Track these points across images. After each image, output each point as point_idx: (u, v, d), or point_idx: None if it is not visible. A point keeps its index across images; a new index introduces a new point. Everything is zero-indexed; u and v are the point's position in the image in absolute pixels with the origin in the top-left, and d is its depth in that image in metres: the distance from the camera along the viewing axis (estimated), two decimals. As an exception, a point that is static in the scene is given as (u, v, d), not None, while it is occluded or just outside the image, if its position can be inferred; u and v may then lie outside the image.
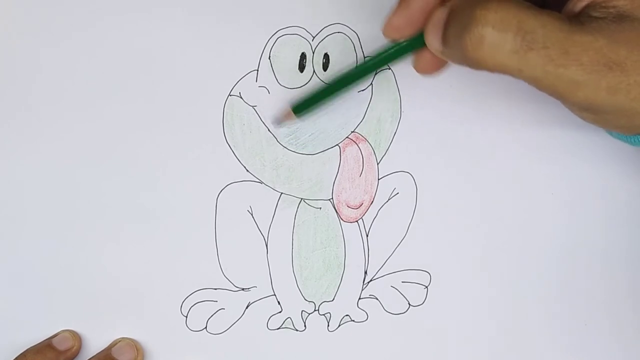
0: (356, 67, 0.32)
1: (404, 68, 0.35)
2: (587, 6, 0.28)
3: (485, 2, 0.27)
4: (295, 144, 0.35)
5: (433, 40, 0.29)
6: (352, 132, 0.36)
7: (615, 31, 0.27)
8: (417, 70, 0.32)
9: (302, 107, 0.33)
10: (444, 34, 0.28)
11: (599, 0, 0.27)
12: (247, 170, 0.35)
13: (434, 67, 0.31)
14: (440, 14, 0.29)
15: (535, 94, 0.36)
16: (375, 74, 0.35)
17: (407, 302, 0.37)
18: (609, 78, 0.26)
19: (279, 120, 0.34)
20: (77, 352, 0.36)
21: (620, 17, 0.27)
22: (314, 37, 0.34)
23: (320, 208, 0.36)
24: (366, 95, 0.35)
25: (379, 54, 0.31)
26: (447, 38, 0.28)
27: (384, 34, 0.30)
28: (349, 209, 0.36)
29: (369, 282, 0.37)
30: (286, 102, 0.34)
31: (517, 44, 0.26)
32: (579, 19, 0.27)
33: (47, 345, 0.35)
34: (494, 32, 0.26)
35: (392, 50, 0.31)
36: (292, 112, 0.33)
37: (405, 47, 0.31)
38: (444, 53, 0.29)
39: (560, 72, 0.26)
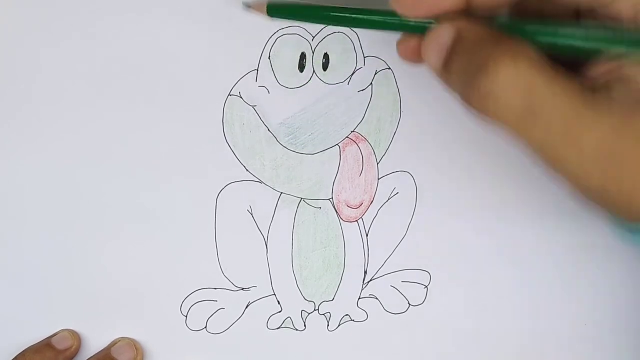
0: (346, 11, 0.30)
1: (404, 68, 0.35)
2: (609, 80, 0.25)
3: (499, 52, 0.25)
4: (295, 144, 0.35)
5: (432, 56, 0.27)
6: (352, 132, 0.36)
7: (630, 115, 0.24)
8: (399, 52, 0.30)
9: (279, 10, 0.31)
10: (447, 59, 0.26)
11: (625, 75, 0.25)
12: (247, 170, 0.35)
13: (418, 57, 0.29)
14: (445, 36, 0.26)
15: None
16: (376, 73, 0.35)
17: (407, 302, 0.37)
18: (603, 165, 0.24)
19: (251, 6, 0.32)
20: (77, 352, 0.36)
21: None
22: (314, 37, 0.34)
23: (320, 208, 0.36)
24: (366, 95, 0.35)
25: (377, 14, 0.29)
26: (449, 64, 0.26)
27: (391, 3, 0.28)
28: (349, 208, 0.36)
29: (369, 282, 0.37)
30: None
31: (522, 110, 0.24)
32: (597, 90, 0.25)
33: (46, 345, 0.35)
34: (501, 90, 0.24)
35: (391, 20, 0.29)
36: (266, 9, 0.31)
37: (404, 26, 0.28)
38: (441, 76, 0.27)
39: (556, 152, 0.25)
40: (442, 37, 0.27)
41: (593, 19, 0.26)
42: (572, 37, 0.26)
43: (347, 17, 0.30)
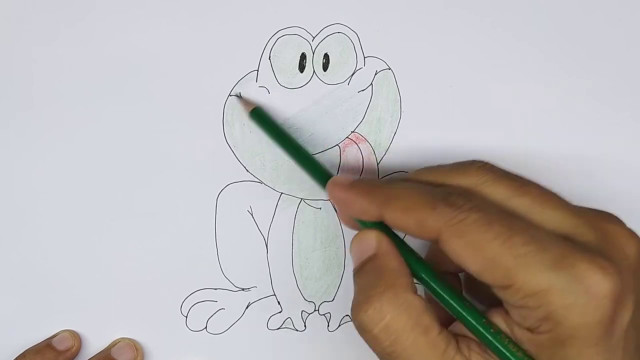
0: (299, 155, 0.33)
1: (404, 68, 0.35)
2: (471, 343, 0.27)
3: (386, 291, 0.27)
4: (295, 144, 0.35)
5: (353, 256, 0.30)
6: (352, 132, 0.36)
7: None
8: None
9: (258, 119, 0.34)
10: (359, 267, 0.29)
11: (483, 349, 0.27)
12: (247, 170, 0.35)
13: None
14: (367, 244, 0.29)
15: (536, 95, 0.36)
16: (376, 73, 0.35)
17: (407, 302, 0.37)
18: None
19: (241, 99, 0.34)
20: (77, 352, 0.36)
21: None
22: (314, 37, 0.34)
23: (321, 208, 0.36)
24: (366, 95, 0.35)
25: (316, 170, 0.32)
26: (358, 274, 0.29)
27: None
28: (349, 209, 0.36)
29: (369, 282, 0.37)
30: (256, 105, 0.34)
31: (387, 349, 0.27)
32: (460, 346, 0.27)
33: (46, 345, 0.35)
34: (371, 327, 0.27)
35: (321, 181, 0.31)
36: (250, 113, 0.34)
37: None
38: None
39: None
40: (363, 244, 0.29)
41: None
42: (455, 311, 0.28)
43: (300, 158, 0.33)
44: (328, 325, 0.38)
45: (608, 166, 0.37)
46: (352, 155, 0.36)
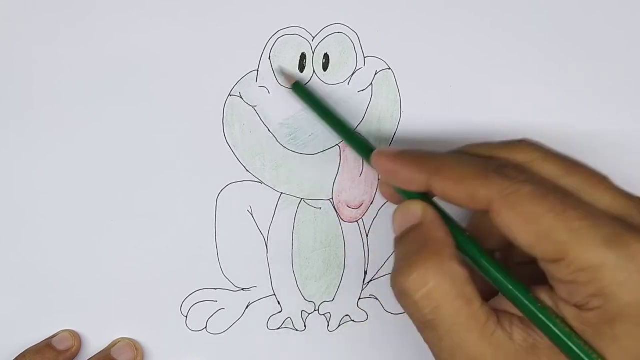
0: (343, 128, 0.33)
1: (404, 68, 0.35)
2: (515, 320, 0.27)
3: (429, 260, 0.27)
4: (295, 144, 0.35)
5: (395, 225, 0.29)
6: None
7: None
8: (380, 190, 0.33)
9: (301, 94, 0.34)
10: (401, 236, 0.29)
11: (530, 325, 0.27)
12: (247, 170, 0.35)
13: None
14: (411, 213, 0.29)
15: (536, 96, 0.36)
16: (376, 73, 0.35)
17: (407, 302, 0.37)
18: None
19: (284, 76, 0.34)
20: (77, 352, 0.36)
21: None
22: (314, 37, 0.34)
23: (321, 208, 0.36)
24: (366, 95, 0.35)
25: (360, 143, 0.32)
26: (399, 241, 0.29)
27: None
28: (349, 209, 0.36)
29: (369, 282, 0.37)
30: (295, 81, 0.34)
31: (426, 318, 0.26)
32: (502, 321, 0.27)
33: (46, 345, 0.35)
34: (412, 295, 0.27)
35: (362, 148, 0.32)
36: (293, 86, 0.34)
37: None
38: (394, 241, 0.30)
39: None
40: (408, 213, 0.29)
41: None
42: (498, 283, 0.27)
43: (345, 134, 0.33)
44: (328, 325, 0.38)
45: (608, 166, 0.37)
46: (352, 155, 0.36)
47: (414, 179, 0.28)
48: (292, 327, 0.37)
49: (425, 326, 0.27)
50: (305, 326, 0.37)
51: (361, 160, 0.36)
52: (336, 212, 0.36)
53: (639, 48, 0.36)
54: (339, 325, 0.38)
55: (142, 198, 0.35)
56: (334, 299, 0.37)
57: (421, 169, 0.28)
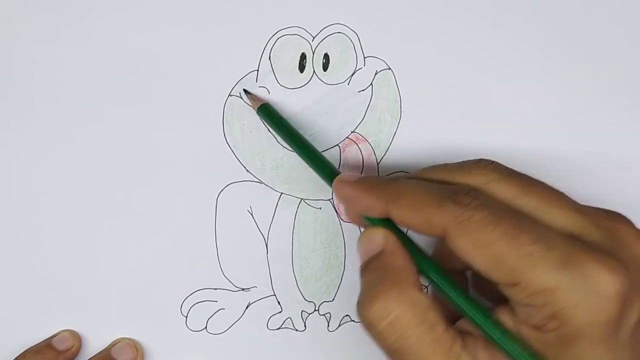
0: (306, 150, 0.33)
1: (404, 68, 0.35)
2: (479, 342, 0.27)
3: (391, 289, 0.27)
4: (295, 144, 0.35)
5: (360, 252, 0.30)
6: (352, 132, 0.36)
7: None
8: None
9: (266, 116, 0.34)
10: (365, 264, 0.29)
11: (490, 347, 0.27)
12: (247, 170, 0.35)
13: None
14: (375, 241, 0.29)
15: (536, 96, 0.36)
16: (376, 73, 0.35)
17: (407, 302, 0.37)
18: None
19: (248, 96, 0.34)
20: (77, 352, 0.36)
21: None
22: (314, 37, 0.34)
23: (321, 208, 0.36)
24: (366, 95, 0.35)
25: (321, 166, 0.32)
26: (364, 270, 0.29)
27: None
28: (349, 209, 0.36)
29: (369, 282, 0.37)
30: (264, 101, 0.34)
31: (393, 345, 0.27)
32: (467, 344, 0.27)
33: (46, 345, 0.35)
34: (376, 324, 0.27)
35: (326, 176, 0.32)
36: (257, 109, 0.34)
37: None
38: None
39: None
40: (370, 241, 0.29)
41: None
42: (460, 308, 0.28)
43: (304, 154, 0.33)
44: (328, 325, 0.38)
45: (608, 166, 0.37)
46: (352, 155, 0.36)
47: (373, 206, 0.29)
48: (292, 327, 0.37)
49: (393, 354, 0.27)
50: (305, 326, 0.37)
51: (361, 161, 0.36)
52: (336, 212, 0.36)
53: (639, 48, 0.36)
54: (339, 325, 0.38)
55: (142, 198, 0.35)
56: (334, 299, 0.37)
57: (379, 196, 0.29)
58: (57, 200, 0.35)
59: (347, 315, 0.37)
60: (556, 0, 0.35)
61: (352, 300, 0.37)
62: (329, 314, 0.37)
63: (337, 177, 0.31)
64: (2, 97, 0.34)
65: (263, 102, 0.34)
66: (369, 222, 0.30)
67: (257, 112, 0.34)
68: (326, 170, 0.32)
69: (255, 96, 0.34)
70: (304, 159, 0.33)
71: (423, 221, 0.27)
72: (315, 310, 0.37)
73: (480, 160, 0.29)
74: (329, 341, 0.38)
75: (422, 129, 0.36)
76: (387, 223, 0.29)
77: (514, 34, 0.35)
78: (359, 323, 0.37)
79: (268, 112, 0.34)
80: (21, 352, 0.35)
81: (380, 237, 0.29)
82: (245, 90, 0.34)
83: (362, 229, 0.34)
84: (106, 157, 0.35)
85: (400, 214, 0.28)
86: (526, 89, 0.36)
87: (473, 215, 0.26)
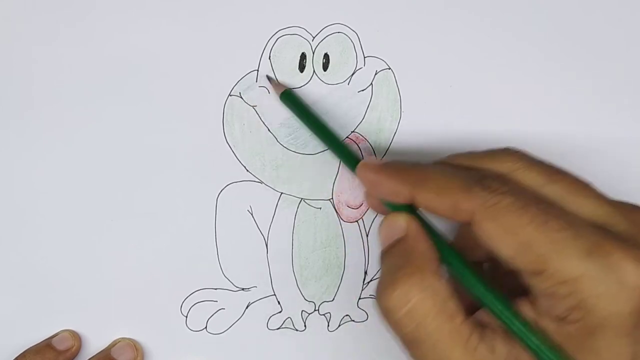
0: (329, 138, 0.33)
1: (404, 68, 0.35)
2: (497, 334, 0.27)
3: (411, 276, 0.26)
4: (295, 144, 0.35)
5: (380, 238, 0.29)
6: (352, 132, 0.36)
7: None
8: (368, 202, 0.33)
9: (289, 103, 0.34)
10: (386, 249, 0.29)
11: (511, 339, 0.26)
12: (247, 170, 0.35)
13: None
14: (396, 227, 0.29)
15: (536, 95, 0.36)
16: (376, 73, 0.35)
17: (407, 302, 0.37)
18: None
19: (271, 82, 0.34)
20: (77, 352, 0.36)
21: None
22: (314, 37, 0.34)
23: (321, 208, 0.36)
24: (366, 95, 0.35)
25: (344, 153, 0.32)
26: (385, 255, 0.29)
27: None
28: (349, 209, 0.36)
29: (369, 282, 0.37)
30: (287, 86, 0.34)
31: (410, 334, 0.26)
32: (485, 336, 0.26)
33: (46, 345, 0.35)
34: (394, 311, 0.26)
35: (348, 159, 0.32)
36: (281, 95, 0.34)
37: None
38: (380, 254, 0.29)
39: None
40: (392, 227, 0.29)
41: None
42: (481, 296, 0.27)
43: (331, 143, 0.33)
44: (328, 325, 0.38)
45: (608, 166, 0.37)
46: (352, 155, 0.36)
47: (398, 191, 0.28)
48: (292, 327, 0.37)
49: (409, 343, 0.27)
50: (305, 326, 0.37)
51: (361, 160, 0.36)
52: (336, 212, 0.36)
53: (639, 48, 0.36)
54: (339, 325, 0.38)
55: (142, 198, 0.35)
56: (334, 299, 0.37)
57: (404, 181, 0.28)
58: (57, 200, 0.35)
59: (347, 315, 0.37)
60: (556, 0, 0.35)
61: (352, 300, 0.37)
62: (329, 314, 0.37)
63: (361, 162, 0.30)
64: (2, 97, 0.34)
65: (286, 88, 0.34)
66: (391, 208, 0.29)
67: (280, 99, 0.34)
68: (350, 155, 0.32)
69: (278, 82, 0.34)
70: (327, 145, 0.33)
71: (449, 206, 0.27)
72: (315, 310, 0.37)
73: (507, 148, 0.29)
74: (329, 341, 0.38)
75: (422, 129, 0.36)
76: (410, 210, 0.29)
77: (514, 34, 0.35)
78: (359, 323, 0.38)
79: (291, 98, 0.34)
80: (21, 352, 0.35)
81: (403, 221, 0.28)
82: (267, 77, 0.34)
83: (363, 226, 0.34)
84: (106, 157, 0.35)
85: (426, 198, 0.27)
86: (526, 89, 0.36)
87: (502, 200, 0.25)
